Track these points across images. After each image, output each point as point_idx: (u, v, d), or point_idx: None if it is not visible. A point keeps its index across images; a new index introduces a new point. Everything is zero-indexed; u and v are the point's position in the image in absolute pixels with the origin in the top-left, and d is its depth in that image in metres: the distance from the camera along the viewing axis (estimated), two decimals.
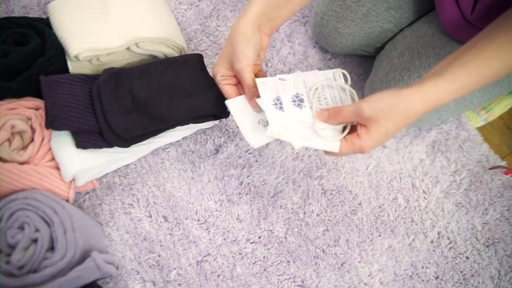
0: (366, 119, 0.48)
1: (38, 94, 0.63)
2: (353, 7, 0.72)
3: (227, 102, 0.59)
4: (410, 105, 0.47)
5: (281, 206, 0.71)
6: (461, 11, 0.61)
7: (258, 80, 0.55)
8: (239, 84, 0.60)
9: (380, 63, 0.75)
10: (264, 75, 0.61)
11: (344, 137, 0.52)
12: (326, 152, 0.53)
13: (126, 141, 0.63)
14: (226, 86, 0.59)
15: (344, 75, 0.59)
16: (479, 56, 0.47)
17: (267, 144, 0.76)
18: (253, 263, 0.67)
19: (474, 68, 0.47)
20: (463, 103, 0.69)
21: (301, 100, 0.56)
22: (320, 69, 0.85)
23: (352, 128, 0.52)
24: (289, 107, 0.55)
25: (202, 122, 0.70)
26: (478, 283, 0.71)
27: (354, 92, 0.57)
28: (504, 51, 0.47)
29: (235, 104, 0.58)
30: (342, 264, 0.69)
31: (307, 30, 0.88)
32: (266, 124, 0.57)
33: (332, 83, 0.58)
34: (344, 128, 0.54)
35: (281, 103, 0.55)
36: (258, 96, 0.55)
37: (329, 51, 0.86)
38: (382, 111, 0.47)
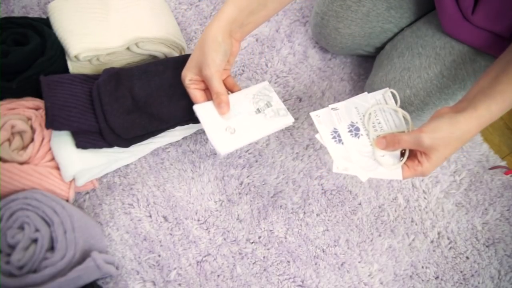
0: (426, 148, 0.50)
1: (38, 94, 0.63)
2: (353, 7, 0.72)
3: (195, 107, 0.59)
4: (466, 131, 0.49)
5: (281, 206, 0.71)
6: (461, 11, 0.61)
7: (312, 114, 0.57)
8: (207, 90, 0.60)
9: (380, 63, 0.75)
10: (233, 81, 0.63)
11: (405, 163, 0.53)
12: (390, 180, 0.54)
13: (126, 141, 0.63)
14: (194, 90, 0.59)
15: (393, 95, 0.58)
16: None
17: (267, 145, 0.76)
18: (253, 263, 0.67)
19: None
20: None
21: (357, 129, 0.56)
22: (320, 69, 0.85)
23: (411, 152, 0.54)
24: (347, 138, 0.56)
25: None
26: (478, 283, 0.71)
27: (407, 114, 0.57)
28: None
29: (203, 110, 0.59)
30: (342, 264, 0.69)
31: (307, 30, 0.88)
32: (233, 131, 0.58)
33: (384, 107, 0.58)
34: (402, 153, 0.55)
35: (339, 135, 0.56)
36: (226, 103, 0.57)
37: (329, 51, 0.86)
38: (441, 141, 0.48)
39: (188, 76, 0.59)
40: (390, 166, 0.53)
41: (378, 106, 0.58)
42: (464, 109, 0.49)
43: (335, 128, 0.56)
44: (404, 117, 0.57)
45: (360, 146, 0.55)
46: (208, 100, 0.60)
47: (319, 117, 0.57)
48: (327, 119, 0.57)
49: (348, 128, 0.56)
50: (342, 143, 0.55)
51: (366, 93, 0.59)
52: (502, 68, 0.50)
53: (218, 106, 0.57)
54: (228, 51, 0.57)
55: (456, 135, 0.48)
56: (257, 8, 0.57)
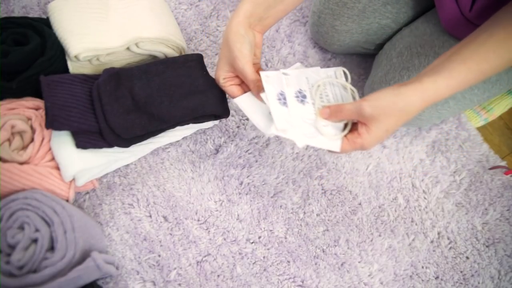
0: (367, 118, 0.49)
1: (38, 94, 0.63)
2: (349, 4, 0.73)
3: (236, 101, 0.59)
4: (409, 102, 0.48)
5: (281, 206, 0.71)
6: (460, 8, 0.61)
7: (262, 74, 0.55)
8: (243, 84, 0.60)
9: (379, 63, 0.75)
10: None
11: (346, 135, 0.52)
12: (328, 150, 0.53)
13: (126, 141, 0.64)
14: (230, 87, 0.60)
15: (345, 73, 0.59)
16: (477, 52, 0.48)
17: (267, 145, 0.76)
18: (253, 263, 0.67)
19: (472, 64, 0.48)
20: (463, 102, 0.69)
21: (304, 96, 0.56)
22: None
23: (353, 126, 0.53)
24: (292, 102, 0.55)
25: (202, 122, 0.70)
26: (478, 283, 0.71)
27: (355, 91, 0.57)
28: (503, 46, 0.47)
29: (244, 101, 0.59)
30: (342, 264, 0.69)
31: (307, 30, 0.88)
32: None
33: (333, 81, 0.58)
34: (346, 125, 0.54)
35: (284, 98, 0.55)
36: (262, 90, 0.55)
37: (329, 51, 0.86)
38: (382, 110, 0.47)
39: (222, 75, 0.59)
40: (331, 136, 0.53)
41: (328, 79, 0.58)
42: (411, 82, 0.48)
43: (282, 91, 0.56)
44: (352, 95, 0.57)
45: (304, 113, 0.55)
46: (246, 92, 0.60)
47: (269, 77, 0.55)
48: (276, 81, 0.56)
49: (295, 94, 0.56)
50: (287, 106, 0.55)
51: (319, 67, 0.59)
52: (457, 49, 0.50)
53: (257, 94, 0.56)
54: (252, 42, 0.57)
55: (398, 106, 0.47)
56: (274, 2, 0.57)
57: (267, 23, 0.59)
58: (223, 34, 0.58)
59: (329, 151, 0.54)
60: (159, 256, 0.65)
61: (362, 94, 0.83)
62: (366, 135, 0.50)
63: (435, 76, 0.48)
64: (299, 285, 0.67)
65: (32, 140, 0.62)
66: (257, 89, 0.56)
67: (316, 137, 0.53)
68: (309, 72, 0.59)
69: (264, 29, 0.59)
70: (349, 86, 0.58)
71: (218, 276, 0.65)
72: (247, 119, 0.78)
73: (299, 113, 0.55)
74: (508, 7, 0.51)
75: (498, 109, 0.85)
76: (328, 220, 0.72)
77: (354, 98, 0.57)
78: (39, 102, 0.65)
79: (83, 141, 0.61)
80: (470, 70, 0.48)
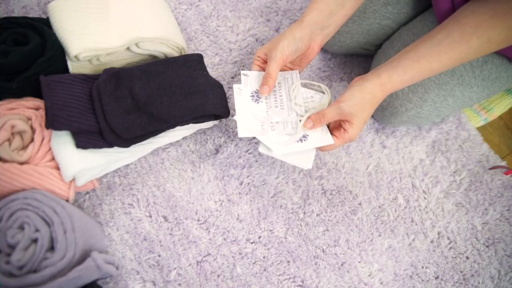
0: (347, 115, 0.57)
1: (38, 94, 0.63)
2: None
3: (242, 71, 0.64)
4: (373, 95, 0.57)
5: (281, 206, 0.71)
6: (453, 6, 0.61)
7: (235, 86, 0.62)
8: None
9: (378, 62, 0.75)
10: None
11: (333, 133, 0.59)
12: (322, 148, 0.60)
13: (126, 141, 0.64)
14: (255, 66, 0.63)
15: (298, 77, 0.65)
16: (431, 51, 0.55)
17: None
18: (253, 263, 0.67)
19: (425, 63, 0.56)
20: (462, 99, 0.69)
21: (259, 96, 0.63)
22: (320, 69, 0.85)
23: (336, 124, 0.61)
24: (247, 101, 0.62)
25: (202, 122, 0.70)
26: (478, 283, 0.71)
27: (315, 83, 0.65)
28: (455, 48, 0.54)
29: (247, 78, 0.64)
30: (342, 264, 0.69)
31: None
32: (261, 124, 0.62)
33: (288, 84, 0.65)
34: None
35: (258, 97, 0.62)
36: (269, 88, 0.61)
37: (329, 51, 0.86)
38: (357, 106, 0.56)
39: (259, 52, 0.62)
40: (320, 136, 0.59)
41: (284, 82, 0.65)
42: (371, 77, 0.57)
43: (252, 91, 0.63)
44: (317, 89, 0.65)
45: (256, 110, 0.62)
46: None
47: (240, 89, 0.63)
48: (246, 84, 0.63)
49: (251, 94, 0.63)
50: (258, 103, 0.63)
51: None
52: (415, 46, 0.57)
53: (261, 85, 0.61)
54: (301, 50, 0.61)
55: (366, 99, 0.56)
56: (336, 9, 0.61)
57: (328, 32, 0.63)
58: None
59: (323, 148, 0.59)
60: (159, 256, 0.65)
61: None
62: (351, 129, 0.58)
63: (391, 71, 0.56)
64: (299, 285, 0.67)
65: (32, 140, 0.62)
66: (264, 82, 0.60)
67: (307, 143, 0.59)
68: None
69: (324, 40, 0.63)
70: (316, 84, 0.65)
71: (218, 276, 0.65)
72: None
73: (253, 111, 0.61)
74: (468, 6, 0.55)
75: (498, 109, 0.85)
76: (328, 220, 0.72)
77: (323, 92, 0.64)
78: (39, 102, 0.65)
79: (83, 141, 0.61)
80: (422, 67, 0.56)
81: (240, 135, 0.59)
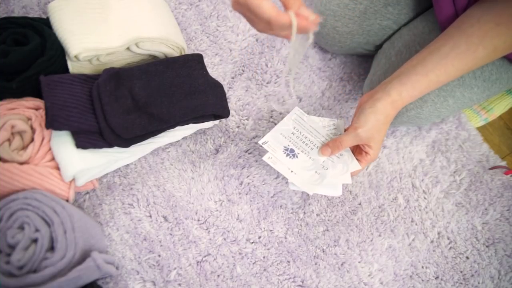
0: (366, 140, 0.59)
1: (38, 94, 0.63)
2: (350, 5, 0.73)
3: (261, 141, 0.64)
4: (386, 114, 0.58)
5: (281, 206, 0.71)
6: (455, 7, 0.61)
7: (265, 158, 0.62)
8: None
9: (379, 62, 0.75)
10: (306, 9, 0.47)
11: (357, 158, 0.62)
12: (352, 173, 0.62)
13: (126, 141, 0.64)
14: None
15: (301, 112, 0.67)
16: (439, 65, 0.56)
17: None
18: (253, 263, 0.67)
19: (433, 77, 0.57)
20: (462, 100, 0.69)
21: (292, 151, 0.64)
22: (320, 69, 0.85)
23: (355, 148, 0.63)
24: (286, 160, 0.62)
25: (202, 122, 0.70)
26: (478, 283, 0.71)
27: (324, 119, 0.67)
28: (462, 59, 0.55)
29: (269, 141, 0.64)
30: (342, 264, 0.69)
31: None
32: (291, 156, 0.64)
33: (302, 123, 0.66)
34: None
35: (293, 152, 0.63)
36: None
37: (329, 51, 0.86)
38: (373, 129, 0.58)
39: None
40: (348, 164, 0.62)
41: (296, 123, 0.66)
42: (381, 96, 0.58)
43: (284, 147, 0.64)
44: (325, 122, 0.66)
45: (302, 164, 0.62)
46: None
47: (271, 158, 0.63)
48: (274, 148, 0.63)
49: (284, 152, 0.63)
50: (296, 158, 0.63)
51: (284, 118, 0.67)
52: (422, 59, 0.58)
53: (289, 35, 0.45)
54: None
55: (381, 121, 0.58)
56: None
57: None
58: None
59: (353, 173, 0.62)
60: (159, 256, 0.65)
61: (361, 93, 0.83)
62: (372, 151, 0.60)
63: (400, 88, 0.57)
64: (299, 285, 0.67)
65: (32, 140, 0.62)
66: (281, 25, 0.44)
67: (343, 173, 0.62)
68: (280, 127, 0.66)
69: None
70: (317, 119, 0.67)
71: (218, 276, 0.65)
72: (247, 119, 0.78)
73: (299, 166, 0.62)
74: (473, 12, 0.55)
75: (498, 109, 0.85)
76: (328, 220, 0.72)
77: (334, 124, 0.66)
78: (39, 102, 0.65)
79: (83, 141, 0.61)
80: (431, 81, 0.57)
81: (311, 193, 0.60)
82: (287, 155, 0.62)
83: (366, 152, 0.61)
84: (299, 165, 0.62)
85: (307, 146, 0.64)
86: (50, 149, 0.62)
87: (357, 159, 0.62)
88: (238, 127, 0.77)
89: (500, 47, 0.54)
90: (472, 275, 0.71)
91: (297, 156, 0.62)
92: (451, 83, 0.66)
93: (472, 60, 0.55)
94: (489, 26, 0.53)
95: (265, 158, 0.62)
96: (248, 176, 0.73)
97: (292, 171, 0.61)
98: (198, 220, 0.68)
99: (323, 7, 0.76)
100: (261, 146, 0.65)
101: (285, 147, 0.63)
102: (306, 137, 0.65)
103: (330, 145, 0.61)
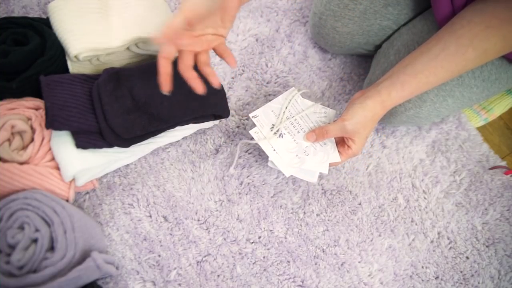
0: (350, 133, 0.59)
1: (38, 94, 0.63)
2: (350, 6, 0.73)
3: (252, 114, 0.65)
4: (374, 112, 0.59)
5: (281, 206, 0.71)
6: (454, 10, 0.61)
7: (252, 132, 0.63)
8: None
9: (378, 62, 0.75)
10: (225, 48, 0.54)
11: (338, 150, 0.64)
12: (331, 164, 0.64)
13: (126, 141, 0.64)
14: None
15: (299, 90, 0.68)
16: (428, 66, 0.56)
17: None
18: (253, 263, 0.67)
19: (422, 78, 0.57)
20: (461, 100, 0.69)
21: (279, 130, 0.64)
22: (320, 69, 0.85)
23: (339, 140, 0.65)
24: (271, 138, 0.63)
25: (202, 122, 0.70)
26: (478, 283, 0.71)
27: (318, 105, 0.67)
28: (451, 60, 0.55)
29: (259, 116, 0.65)
30: (342, 264, 0.69)
31: (307, 30, 0.88)
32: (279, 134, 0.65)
33: (296, 106, 0.67)
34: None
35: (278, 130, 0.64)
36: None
37: (329, 51, 0.86)
38: (360, 124, 0.58)
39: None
40: (328, 154, 0.63)
41: (291, 105, 0.67)
42: (372, 95, 0.59)
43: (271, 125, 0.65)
44: (317, 110, 0.67)
45: (285, 144, 0.63)
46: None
47: (257, 133, 0.64)
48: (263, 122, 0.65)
49: (271, 130, 0.64)
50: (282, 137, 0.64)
51: (279, 96, 0.68)
52: (412, 60, 0.58)
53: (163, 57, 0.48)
54: (217, 3, 0.48)
55: (368, 117, 0.58)
56: None
57: None
58: None
59: (332, 164, 0.64)
60: (159, 256, 0.65)
61: None
62: (354, 146, 0.61)
63: (390, 87, 0.58)
64: (299, 285, 0.67)
65: (32, 140, 0.62)
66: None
67: (322, 160, 0.63)
68: (273, 105, 0.67)
69: None
70: (310, 103, 0.67)
71: (218, 276, 0.65)
72: (247, 119, 0.78)
73: (282, 147, 0.63)
74: (465, 14, 0.55)
75: (498, 109, 0.85)
76: (328, 220, 0.72)
77: (326, 112, 0.67)
78: (39, 102, 0.65)
79: (83, 141, 0.61)
80: (420, 82, 0.57)
81: (287, 174, 0.61)
82: (274, 133, 0.63)
83: (348, 146, 0.61)
84: (282, 145, 0.63)
85: (294, 128, 0.64)
86: (50, 149, 0.62)
87: (339, 151, 0.63)
88: (238, 127, 0.77)
89: (490, 50, 0.54)
90: (472, 275, 0.71)
91: (282, 136, 0.63)
92: (450, 82, 0.66)
93: (461, 62, 0.55)
94: (479, 28, 0.53)
95: (251, 131, 0.63)
96: (248, 176, 0.73)
97: (274, 150, 0.62)
98: (198, 220, 0.68)
99: (323, 7, 0.76)
100: (251, 119, 0.66)
101: (273, 124, 0.64)
102: (295, 120, 0.65)
103: (316, 132, 0.62)
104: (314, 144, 0.64)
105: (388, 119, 0.75)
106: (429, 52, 0.57)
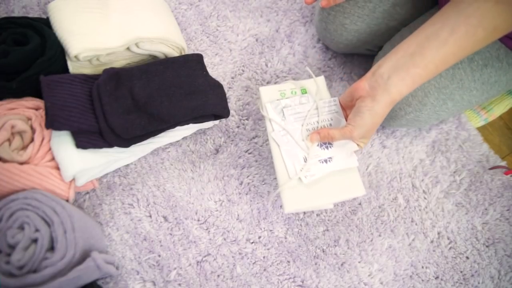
0: (357, 139, 0.58)
1: (38, 94, 0.63)
2: (360, 3, 0.73)
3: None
4: (383, 115, 0.56)
5: (281, 206, 0.71)
6: None
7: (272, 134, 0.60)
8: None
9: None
10: None
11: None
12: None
13: (126, 141, 0.64)
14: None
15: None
16: (438, 54, 0.53)
17: (266, 145, 0.76)
18: (253, 263, 0.67)
19: (432, 67, 0.54)
20: (461, 103, 0.69)
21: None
22: (320, 69, 0.85)
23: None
24: (281, 140, 0.60)
25: (202, 122, 0.70)
26: (478, 283, 0.71)
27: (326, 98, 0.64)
28: (461, 46, 0.52)
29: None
30: (342, 264, 0.69)
31: (307, 30, 0.88)
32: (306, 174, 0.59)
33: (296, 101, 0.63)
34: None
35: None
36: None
37: (330, 51, 0.86)
38: (366, 129, 0.57)
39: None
40: (349, 148, 0.60)
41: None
42: (381, 98, 0.55)
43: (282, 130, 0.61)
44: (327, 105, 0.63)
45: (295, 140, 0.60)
46: None
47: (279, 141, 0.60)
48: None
49: (280, 131, 0.61)
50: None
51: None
52: (420, 45, 0.53)
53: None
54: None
55: (377, 122, 0.57)
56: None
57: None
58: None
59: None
60: (159, 256, 0.65)
61: None
62: (360, 146, 0.60)
63: (401, 84, 0.54)
64: (299, 285, 0.67)
65: (32, 140, 0.62)
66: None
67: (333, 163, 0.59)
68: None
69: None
70: (316, 98, 0.63)
71: (218, 276, 0.65)
72: (247, 119, 0.78)
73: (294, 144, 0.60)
74: None
75: (498, 109, 0.85)
76: (328, 220, 0.72)
77: (334, 100, 0.63)
78: (39, 102, 0.65)
79: (83, 141, 0.61)
80: (430, 73, 0.54)
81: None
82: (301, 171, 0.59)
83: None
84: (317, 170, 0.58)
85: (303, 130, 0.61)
86: (50, 149, 0.62)
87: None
88: (238, 127, 0.77)
89: (500, 27, 0.51)
90: (472, 275, 0.71)
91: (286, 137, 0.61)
92: (451, 85, 0.66)
93: (470, 44, 0.52)
94: (488, 5, 0.49)
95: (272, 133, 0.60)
96: (248, 176, 0.72)
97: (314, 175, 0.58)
98: (198, 220, 0.68)
99: (333, 3, 0.76)
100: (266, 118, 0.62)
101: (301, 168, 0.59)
102: (313, 129, 0.62)
103: (321, 135, 0.59)
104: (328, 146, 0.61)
105: (388, 122, 0.75)
106: (437, 37, 0.52)
